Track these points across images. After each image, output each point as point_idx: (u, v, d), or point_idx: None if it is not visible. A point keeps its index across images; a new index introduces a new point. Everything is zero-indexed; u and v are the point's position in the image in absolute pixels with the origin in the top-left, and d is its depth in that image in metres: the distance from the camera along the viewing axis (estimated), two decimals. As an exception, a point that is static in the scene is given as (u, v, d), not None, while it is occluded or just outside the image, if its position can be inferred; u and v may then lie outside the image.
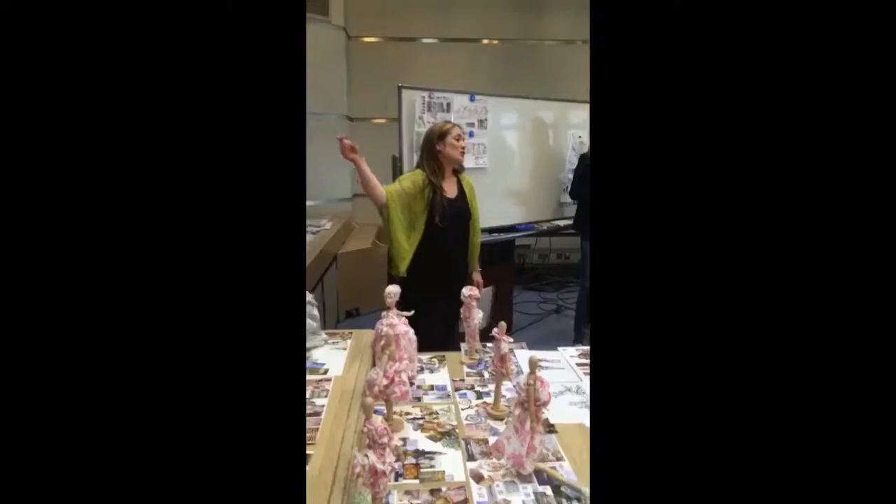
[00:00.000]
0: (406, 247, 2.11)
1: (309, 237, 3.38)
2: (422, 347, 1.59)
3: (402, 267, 2.11)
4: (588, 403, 1.40)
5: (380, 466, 0.92)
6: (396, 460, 1.12)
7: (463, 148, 2.17)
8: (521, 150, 3.67)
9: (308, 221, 3.63)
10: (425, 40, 4.94)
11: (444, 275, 2.15)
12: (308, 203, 3.54)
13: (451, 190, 2.18)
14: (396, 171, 2.99)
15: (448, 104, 3.05)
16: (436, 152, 2.14)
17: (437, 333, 2.05)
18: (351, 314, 3.71)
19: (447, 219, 2.12)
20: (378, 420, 0.93)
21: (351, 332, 1.85)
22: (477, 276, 2.37)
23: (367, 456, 0.92)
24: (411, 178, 2.14)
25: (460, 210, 2.20)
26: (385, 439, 0.93)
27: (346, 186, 4.52)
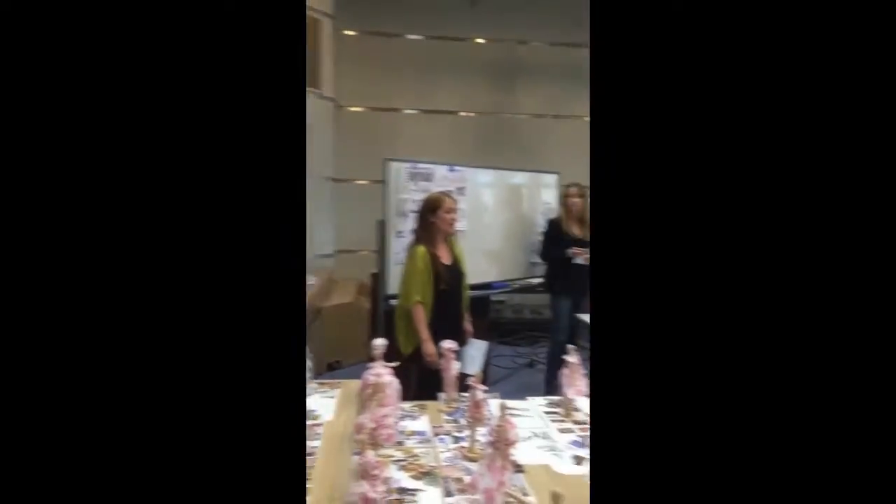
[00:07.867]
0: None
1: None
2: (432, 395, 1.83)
3: (410, 348, 2.37)
4: (554, 448, 1.57)
5: (371, 494, 1.08)
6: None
7: (453, 219, 2.44)
8: (496, 215, 3.96)
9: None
10: (407, 111, 5.33)
11: (453, 330, 2.32)
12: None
13: (445, 256, 2.45)
14: (382, 235, 3.21)
15: (430, 174, 3.32)
16: (430, 223, 2.41)
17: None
18: (332, 366, 3.81)
19: (447, 282, 2.38)
20: (370, 454, 1.09)
21: (339, 382, 2.00)
22: (468, 326, 2.60)
23: (360, 485, 1.08)
24: (419, 259, 2.35)
25: (456, 272, 2.47)
26: (377, 471, 1.09)
27: (329, 242, 4.71)
